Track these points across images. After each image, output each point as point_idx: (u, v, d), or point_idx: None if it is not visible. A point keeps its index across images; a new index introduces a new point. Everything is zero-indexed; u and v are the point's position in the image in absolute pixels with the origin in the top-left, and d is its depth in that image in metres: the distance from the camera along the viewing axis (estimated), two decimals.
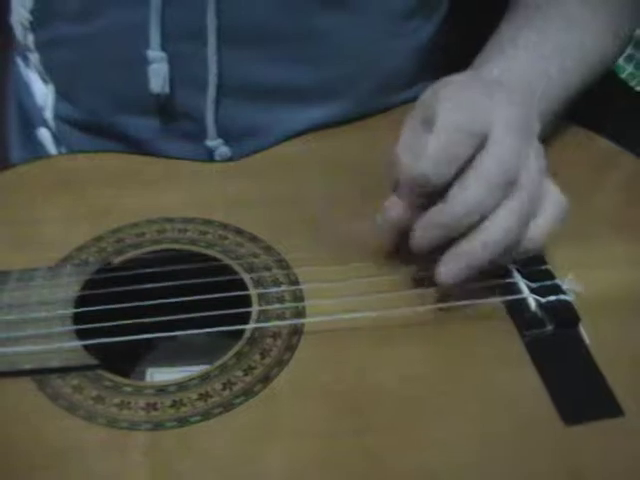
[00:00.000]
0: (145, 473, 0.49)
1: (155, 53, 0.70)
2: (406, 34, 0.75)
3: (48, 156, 0.79)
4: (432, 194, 0.55)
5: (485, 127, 0.55)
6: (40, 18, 0.75)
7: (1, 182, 0.68)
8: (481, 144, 0.54)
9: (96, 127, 0.77)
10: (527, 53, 0.67)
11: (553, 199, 0.57)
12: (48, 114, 0.80)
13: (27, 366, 0.54)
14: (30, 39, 0.77)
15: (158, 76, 0.70)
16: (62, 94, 0.79)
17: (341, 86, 0.74)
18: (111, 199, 0.66)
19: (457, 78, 0.60)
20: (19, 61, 0.85)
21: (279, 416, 0.52)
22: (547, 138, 0.65)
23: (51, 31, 0.76)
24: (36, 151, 0.83)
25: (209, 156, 0.74)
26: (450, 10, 0.78)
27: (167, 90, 0.71)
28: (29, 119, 0.85)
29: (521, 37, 0.68)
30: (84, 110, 0.77)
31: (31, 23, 0.76)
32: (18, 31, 0.79)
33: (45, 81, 0.80)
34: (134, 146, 0.76)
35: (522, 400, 0.53)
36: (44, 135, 0.82)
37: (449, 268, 0.55)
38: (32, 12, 0.75)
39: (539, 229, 0.56)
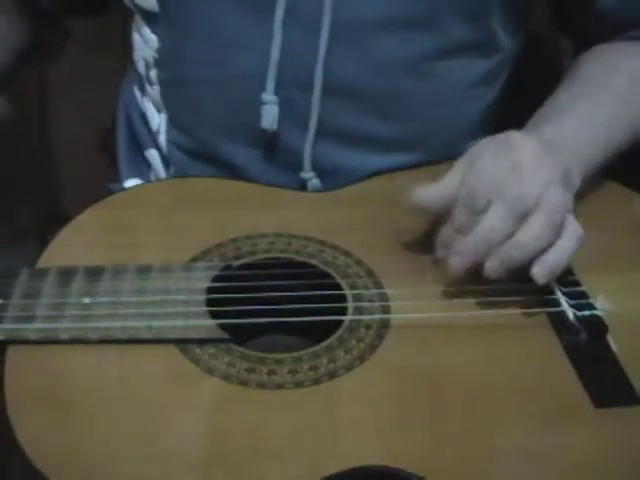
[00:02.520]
0: (269, 421, 0.64)
1: (269, 97, 0.83)
2: (474, 98, 0.89)
3: (171, 178, 0.92)
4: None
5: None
6: (165, 57, 0.87)
7: (133, 198, 0.84)
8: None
9: (202, 153, 0.89)
10: (578, 120, 0.80)
11: (572, 228, 0.71)
12: (162, 138, 0.92)
13: (171, 336, 0.68)
14: (153, 74, 0.89)
15: (269, 115, 0.83)
16: (175, 123, 0.90)
17: (417, 139, 0.87)
18: (226, 216, 0.80)
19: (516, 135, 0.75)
20: (135, 90, 0.95)
21: (370, 385, 0.67)
22: (586, 191, 0.80)
23: (175, 70, 0.87)
24: (142, 171, 0.95)
25: (302, 186, 0.86)
26: (507, 79, 0.92)
27: (275, 127, 0.84)
28: (138, 141, 0.96)
29: (575, 105, 0.82)
30: (194, 139, 0.89)
31: (155, 60, 0.88)
32: (140, 65, 0.91)
33: (158, 110, 0.91)
34: (235, 172, 0.88)
35: (562, 387, 0.67)
36: (153, 156, 0.93)
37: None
38: (158, 51, 0.87)
39: (559, 249, 0.71)
